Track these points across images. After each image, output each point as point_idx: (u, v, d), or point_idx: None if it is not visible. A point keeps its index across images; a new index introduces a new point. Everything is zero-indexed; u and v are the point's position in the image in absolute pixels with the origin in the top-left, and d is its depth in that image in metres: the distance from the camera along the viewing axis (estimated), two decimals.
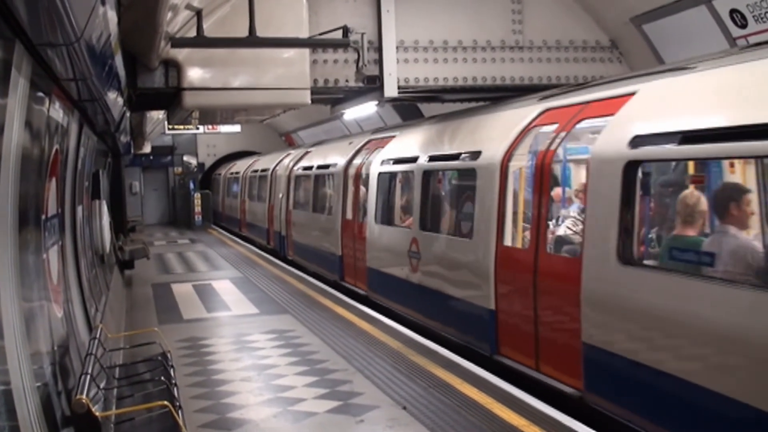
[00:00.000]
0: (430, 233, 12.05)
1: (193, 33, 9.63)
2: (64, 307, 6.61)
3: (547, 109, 9.63)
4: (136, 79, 10.83)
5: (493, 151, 10.16)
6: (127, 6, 6.96)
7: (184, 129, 29.83)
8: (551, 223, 9.47)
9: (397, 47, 12.54)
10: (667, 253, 7.34)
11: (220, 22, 10.70)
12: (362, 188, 15.92)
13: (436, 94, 14.37)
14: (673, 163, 7.92)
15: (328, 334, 11.37)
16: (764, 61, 6.58)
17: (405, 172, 13.62)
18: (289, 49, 11.26)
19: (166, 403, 5.90)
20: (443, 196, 12.66)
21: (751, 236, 6.54)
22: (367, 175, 15.47)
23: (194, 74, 11.04)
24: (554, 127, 9.14)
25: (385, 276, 13.85)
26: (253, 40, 9.54)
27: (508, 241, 9.71)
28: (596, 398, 7.62)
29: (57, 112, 5.99)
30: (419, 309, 12.33)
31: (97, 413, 5.15)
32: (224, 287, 16.85)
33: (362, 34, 12.16)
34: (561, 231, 9.55)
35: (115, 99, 7.93)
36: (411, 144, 14.04)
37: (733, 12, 10.34)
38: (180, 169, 40.67)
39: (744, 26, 10.32)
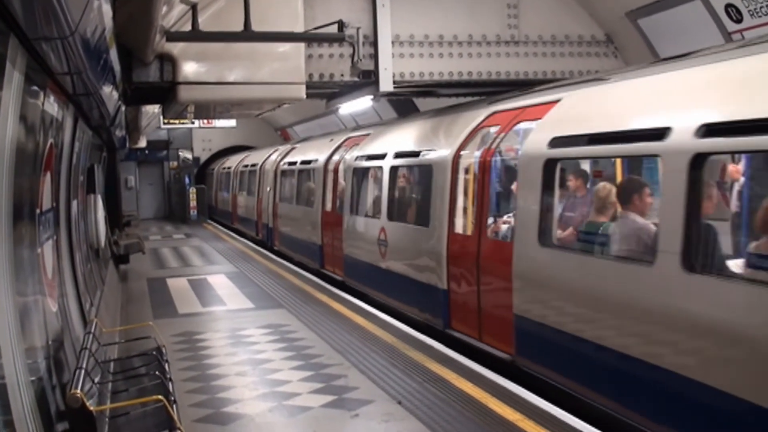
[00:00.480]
0: (395, 223, 13.25)
1: (188, 27, 9.61)
2: (59, 302, 6.61)
3: (493, 113, 10.82)
4: (131, 73, 10.81)
5: (446, 149, 11.43)
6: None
7: (180, 123, 29.80)
8: (493, 212, 10.48)
9: (392, 42, 12.53)
10: (582, 236, 8.73)
11: (216, 16, 10.68)
12: (340, 182, 16.95)
13: (431, 88, 14.37)
14: (590, 160, 9.46)
15: (323, 329, 11.38)
16: (660, 76, 7.79)
17: (375, 168, 14.63)
18: (284, 44, 11.25)
19: (160, 397, 5.90)
20: (407, 189, 13.69)
21: (647, 221, 7.60)
22: (344, 170, 16.60)
23: (189, 68, 11.02)
24: (497, 128, 10.42)
25: (359, 262, 14.99)
26: (248, 35, 9.52)
27: (458, 229, 10.88)
28: (524, 361, 8.91)
29: (52, 106, 5.98)
30: (387, 292, 13.50)
31: (91, 408, 5.15)
32: (219, 282, 16.85)
33: (357, 28, 12.16)
34: (502, 219, 10.43)
35: (110, 93, 7.91)
36: (382, 142, 15.19)
37: (728, 6, 10.34)
38: (175, 164, 40.61)
39: (739, 21, 10.33)
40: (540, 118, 9.13)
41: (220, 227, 33.78)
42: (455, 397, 7.97)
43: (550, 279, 8.41)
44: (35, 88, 4.98)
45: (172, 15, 9.90)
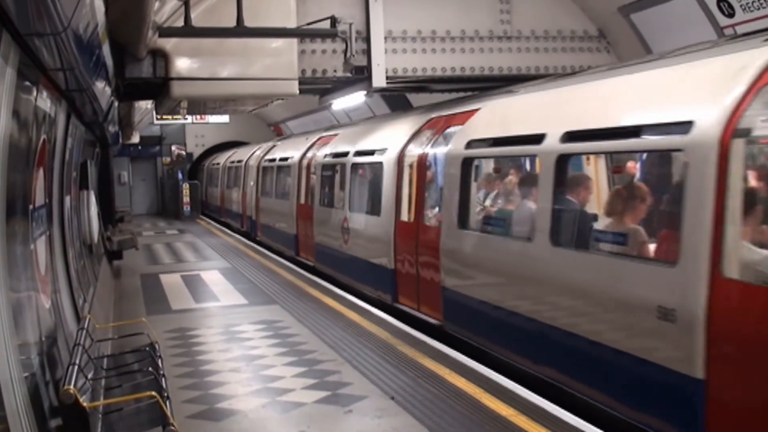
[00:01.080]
0: (355, 213, 14.97)
1: (180, 23, 9.60)
2: (52, 298, 6.60)
3: (432, 118, 12.47)
4: (124, 69, 10.80)
5: (393, 149, 13.06)
6: None
7: (173, 119, 29.77)
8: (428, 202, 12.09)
9: (385, 37, 12.54)
10: (490, 220, 10.51)
11: (208, 11, 10.68)
12: (312, 177, 18.67)
13: (424, 84, 14.39)
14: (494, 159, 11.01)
15: (316, 325, 11.38)
16: (552, 91, 9.59)
17: (340, 164, 16.32)
18: (277, 39, 11.26)
19: (154, 393, 5.90)
20: (364, 183, 15.12)
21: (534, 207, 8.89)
22: (314, 167, 18.45)
23: (182, 64, 11.02)
24: (432, 131, 12.14)
25: (327, 249, 16.72)
26: (240, 30, 9.52)
27: (403, 217, 12.52)
28: (450, 325, 10.63)
29: (44, 101, 5.97)
30: (350, 274, 15.21)
31: (84, 404, 5.14)
32: (213, 278, 16.83)
33: (350, 24, 12.16)
34: (435, 208, 11.90)
35: (102, 89, 7.90)
36: (346, 141, 16.87)
37: (720, 1, 10.36)
38: (168, 159, 40.55)
39: (731, 15, 10.35)
40: (462, 124, 10.97)
41: (213, 223, 33.76)
42: (448, 393, 7.98)
43: (467, 256, 10.23)
44: (28, 83, 4.97)
45: (164, 11, 9.90)
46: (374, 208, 13.71)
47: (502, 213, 10.45)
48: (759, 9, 9.90)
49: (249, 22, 9.52)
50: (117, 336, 9.42)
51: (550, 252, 8.11)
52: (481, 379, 8.41)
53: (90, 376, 6.49)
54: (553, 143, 8.22)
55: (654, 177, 8.72)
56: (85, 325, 7.26)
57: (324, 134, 19.72)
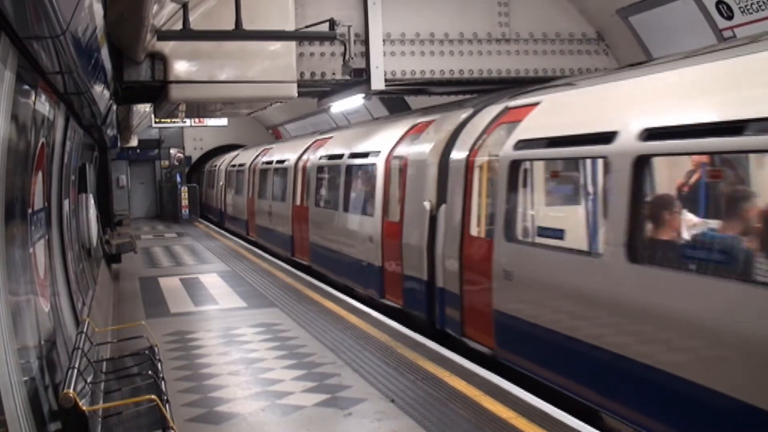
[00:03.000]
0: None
1: (179, 26, 9.60)
2: (51, 301, 6.59)
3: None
4: (123, 72, 10.80)
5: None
6: None
7: (171, 122, 29.74)
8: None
9: (383, 40, 12.54)
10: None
11: (207, 14, 10.68)
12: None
13: (423, 86, 14.39)
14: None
15: (316, 328, 11.37)
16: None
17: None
18: (275, 42, 11.25)
19: (153, 397, 5.90)
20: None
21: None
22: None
23: (180, 67, 11.02)
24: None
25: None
26: (239, 33, 9.52)
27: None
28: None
29: (43, 105, 5.97)
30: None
31: (84, 407, 5.14)
32: (212, 281, 16.82)
33: (349, 26, 12.16)
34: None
35: (101, 92, 7.90)
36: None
37: (719, 3, 10.37)
38: (167, 163, 40.52)
39: (730, 18, 10.35)
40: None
41: (212, 226, 33.73)
42: (448, 395, 7.97)
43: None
44: (26, 87, 4.97)
45: (162, 14, 9.89)
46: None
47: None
48: (758, 11, 9.90)
49: (247, 25, 9.52)
50: (116, 339, 9.41)
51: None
52: (481, 381, 8.40)
53: (89, 379, 6.48)
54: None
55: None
56: (84, 329, 7.26)
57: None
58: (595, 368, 7.35)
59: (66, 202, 9.29)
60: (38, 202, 6.08)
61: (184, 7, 9.37)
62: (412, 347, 10.00)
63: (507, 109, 10.12)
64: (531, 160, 9.13)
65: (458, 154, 10.68)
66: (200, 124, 32.66)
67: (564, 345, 7.81)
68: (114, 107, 12.59)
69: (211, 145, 41.89)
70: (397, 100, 20.22)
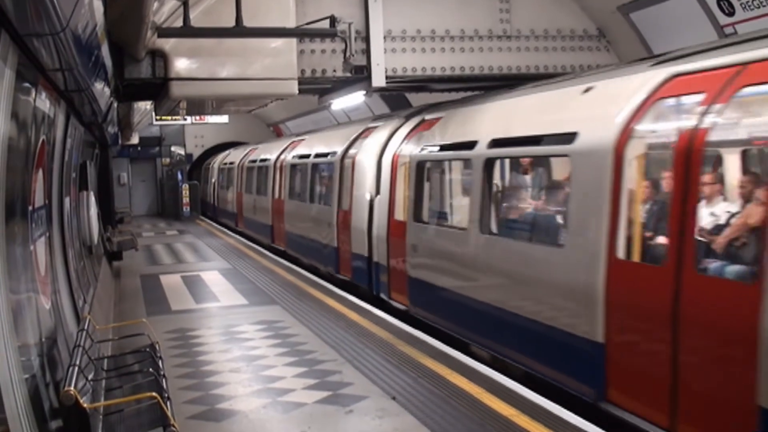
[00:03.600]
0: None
1: (179, 23, 9.58)
2: (52, 299, 6.59)
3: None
4: (123, 70, 10.78)
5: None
6: None
7: (172, 120, 29.74)
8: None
9: (384, 37, 12.52)
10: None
11: (207, 11, 10.66)
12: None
13: (424, 83, 14.36)
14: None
15: (317, 325, 11.37)
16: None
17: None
18: (276, 39, 11.23)
19: (154, 394, 5.89)
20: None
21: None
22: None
23: (181, 64, 11.00)
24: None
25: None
26: (239, 30, 9.50)
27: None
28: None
29: (43, 102, 5.96)
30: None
31: (85, 405, 5.14)
32: (213, 278, 16.83)
33: (350, 23, 12.14)
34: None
35: (101, 89, 7.89)
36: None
37: (720, 0, 10.35)
38: (168, 160, 40.51)
39: (731, 14, 10.33)
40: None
41: (213, 224, 33.75)
42: (450, 393, 7.97)
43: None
44: (27, 84, 4.96)
45: (163, 11, 9.88)
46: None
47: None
48: (759, 7, 9.89)
49: (248, 22, 9.50)
50: (117, 337, 9.41)
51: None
52: (482, 378, 8.40)
53: (90, 377, 6.48)
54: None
55: None
56: (86, 326, 7.26)
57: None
58: (466, 312, 10.15)
59: (67, 200, 9.29)
60: (39, 199, 6.08)
61: (185, 5, 9.35)
62: (413, 344, 10.00)
63: (423, 120, 13.03)
64: (429, 160, 12.09)
65: (387, 156, 13.70)
66: (201, 122, 32.65)
67: (450, 298, 10.60)
68: (115, 105, 12.58)
69: (212, 142, 41.87)
70: (398, 97, 20.20)
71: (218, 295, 14.71)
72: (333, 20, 10.50)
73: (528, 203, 10.37)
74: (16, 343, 4.45)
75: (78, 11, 4.06)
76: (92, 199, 12.41)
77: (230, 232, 28.70)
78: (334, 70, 12.53)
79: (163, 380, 6.76)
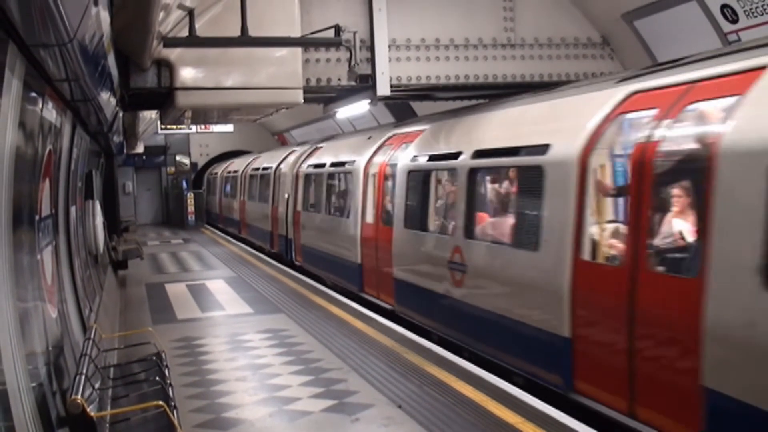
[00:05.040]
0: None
1: (185, 33, 9.62)
2: (59, 308, 6.61)
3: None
4: (129, 79, 10.81)
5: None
6: (120, 6, 6.96)
7: (177, 129, 29.80)
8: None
9: (389, 46, 12.55)
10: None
11: (213, 21, 10.69)
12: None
13: (428, 92, 14.39)
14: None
15: (322, 333, 11.38)
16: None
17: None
18: (281, 49, 11.26)
19: (161, 403, 5.91)
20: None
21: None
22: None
23: (186, 74, 11.03)
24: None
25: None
26: (245, 40, 9.54)
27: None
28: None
29: (50, 112, 5.99)
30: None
31: (92, 413, 5.15)
32: (218, 287, 16.85)
33: (354, 32, 12.16)
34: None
35: (107, 99, 7.92)
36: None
37: (724, 7, 10.36)
38: (173, 169, 40.56)
39: (735, 21, 10.35)
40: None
41: (218, 232, 33.78)
42: (455, 400, 7.97)
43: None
44: (34, 94, 4.98)
45: (169, 21, 9.91)
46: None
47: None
48: (763, 14, 9.90)
49: (253, 31, 9.54)
50: (123, 345, 9.43)
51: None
52: (487, 386, 8.40)
53: (97, 385, 6.50)
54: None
55: None
56: (92, 335, 7.28)
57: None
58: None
59: (73, 209, 9.31)
60: (45, 208, 6.10)
61: (190, 14, 9.39)
62: (418, 352, 10.00)
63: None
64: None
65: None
66: (206, 131, 32.71)
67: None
68: (120, 114, 12.61)
69: (217, 151, 41.96)
70: (402, 105, 20.23)
71: (223, 303, 14.72)
72: (338, 29, 10.54)
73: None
74: (23, 351, 4.46)
75: (85, 22, 4.08)
76: (98, 208, 12.43)
77: (236, 241, 28.71)
78: (339, 79, 12.56)
79: (170, 389, 6.77)
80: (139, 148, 33.12)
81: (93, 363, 6.58)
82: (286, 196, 21.03)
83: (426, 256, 11.68)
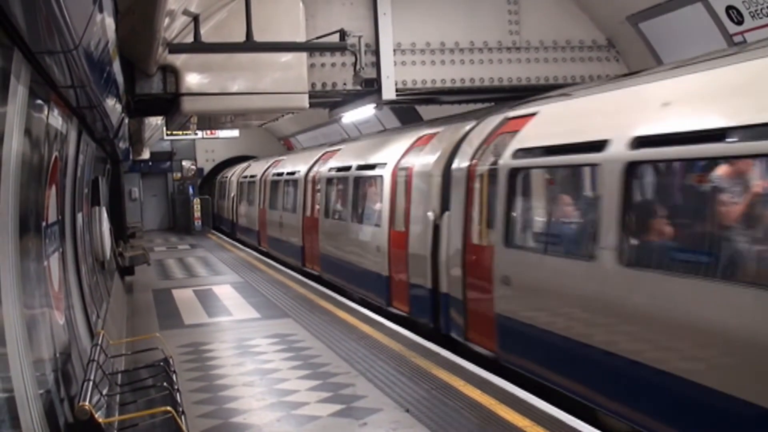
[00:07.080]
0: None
1: (190, 38, 9.64)
2: (66, 314, 6.61)
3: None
4: (134, 86, 10.84)
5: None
6: (125, 12, 6.97)
7: (183, 134, 29.84)
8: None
9: (394, 50, 12.57)
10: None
11: (218, 27, 10.71)
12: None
13: (434, 96, 14.40)
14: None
15: (329, 338, 11.37)
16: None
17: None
18: (286, 54, 11.28)
19: (169, 408, 5.90)
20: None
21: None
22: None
23: (192, 79, 11.05)
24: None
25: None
26: (250, 45, 9.55)
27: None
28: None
29: (56, 119, 5.99)
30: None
31: (100, 420, 5.15)
32: (225, 292, 16.85)
33: (359, 37, 12.17)
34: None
35: (113, 105, 7.92)
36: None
37: (729, 9, 10.35)
38: (179, 175, 40.59)
39: (740, 23, 10.34)
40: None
41: (224, 237, 33.83)
42: (464, 404, 7.96)
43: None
44: (39, 101, 4.99)
45: (174, 27, 9.93)
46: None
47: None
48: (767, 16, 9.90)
49: (258, 36, 9.55)
50: (131, 351, 9.44)
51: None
52: (496, 390, 8.38)
53: (105, 392, 6.50)
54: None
55: None
56: (99, 341, 7.27)
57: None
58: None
59: (79, 216, 9.32)
60: (52, 215, 6.10)
61: (196, 20, 9.40)
62: (426, 356, 9.99)
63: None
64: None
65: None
66: (212, 136, 32.75)
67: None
68: (126, 120, 12.62)
69: (223, 156, 41.95)
70: (408, 109, 20.23)
71: (230, 308, 14.72)
72: (343, 34, 10.55)
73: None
74: (31, 357, 4.46)
75: (90, 28, 4.08)
76: (104, 214, 12.44)
77: (244, 247, 28.75)
78: (345, 84, 12.58)
79: (178, 394, 6.77)
80: (145, 154, 33.17)
81: (101, 369, 6.58)
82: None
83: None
